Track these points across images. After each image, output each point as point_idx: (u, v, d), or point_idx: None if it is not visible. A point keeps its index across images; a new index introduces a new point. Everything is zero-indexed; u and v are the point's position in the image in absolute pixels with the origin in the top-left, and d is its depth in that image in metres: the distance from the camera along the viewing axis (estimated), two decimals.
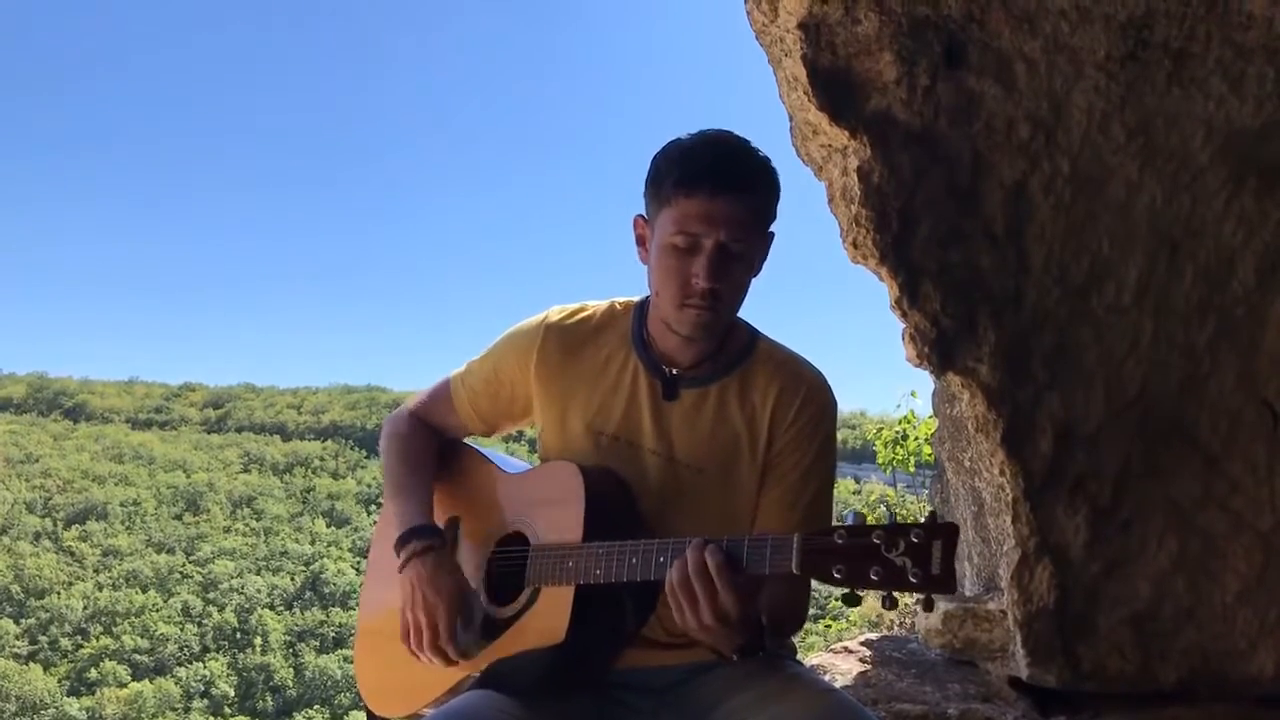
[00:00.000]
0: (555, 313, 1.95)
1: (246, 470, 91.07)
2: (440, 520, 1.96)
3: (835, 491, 1.92)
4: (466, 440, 2.11)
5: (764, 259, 1.85)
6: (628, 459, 1.83)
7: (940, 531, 1.38)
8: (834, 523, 1.52)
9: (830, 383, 1.91)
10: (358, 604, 2.16)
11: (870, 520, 1.45)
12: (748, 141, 1.76)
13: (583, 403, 1.88)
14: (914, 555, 1.37)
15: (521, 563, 1.79)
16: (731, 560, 1.50)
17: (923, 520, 1.40)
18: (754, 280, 1.87)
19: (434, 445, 2.04)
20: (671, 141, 1.78)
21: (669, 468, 1.83)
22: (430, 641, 1.76)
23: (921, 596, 1.40)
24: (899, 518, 1.42)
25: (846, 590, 1.43)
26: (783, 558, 1.48)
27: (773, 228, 1.83)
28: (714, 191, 1.68)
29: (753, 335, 1.91)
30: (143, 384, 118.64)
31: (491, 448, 2.12)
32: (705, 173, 1.69)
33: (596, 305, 1.96)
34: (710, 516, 1.81)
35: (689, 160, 1.71)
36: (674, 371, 1.85)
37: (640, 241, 1.84)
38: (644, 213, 1.82)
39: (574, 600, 1.68)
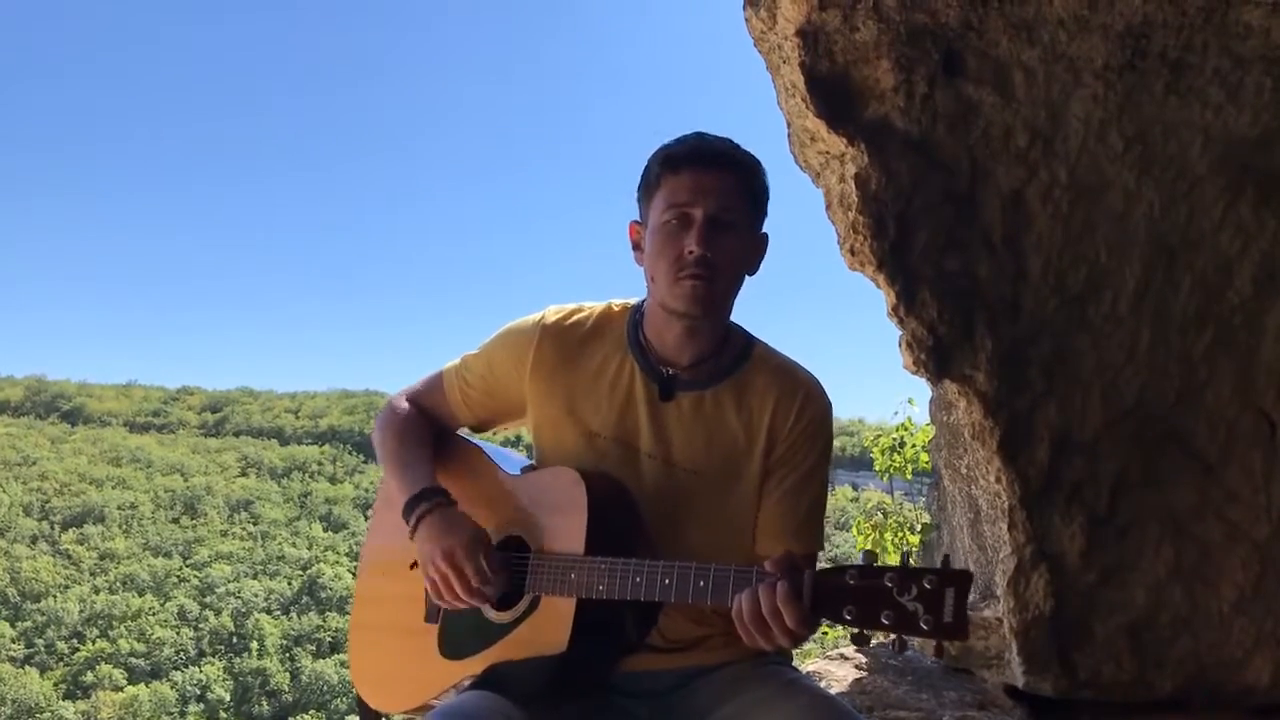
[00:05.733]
0: (552, 313, 1.94)
1: (244, 474, 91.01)
2: None
3: (834, 499, 1.93)
4: (467, 436, 2.10)
5: (759, 258, 1.87)
6: (624, 461, 1.83)
7: (954, 579, 1.37)
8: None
9: (825, 388, 1.92)
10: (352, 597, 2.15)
11: (879, 545, 1.45)
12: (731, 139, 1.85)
13: (579, 405, 1.88)
14: (926, 601, 1.37)
15: (521, 568, 1.79)
16: (798, 596, 1.48)
17: (937, 566, 1.40)
18: (752, 287, 1.88)
19: (431, 428, 2.03)
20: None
21: (666, 471, 1.83)
22: (464, 588, 1.74)
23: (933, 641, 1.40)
24: (912, 547, 1.42)
25: (856, 631, 1.43)
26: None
27: (766, 230, 1.86)
28: (700, 166, 1.76)
29: (749, 340, 1.91)
30: (141, 387, 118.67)
31: (488, 443, 2.11)
32: (689, 150, 1.78)
33: (593, 306, 1.96)
34: (708, 520, 1.81)
35: (673, 146, 1.81)
36: (670, 372, 1.85)
37: (636, 246, 1.87)
38: (638, 218, 1.87)
39: (575, 613, 1.68)
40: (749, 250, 1.84)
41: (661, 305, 1.81)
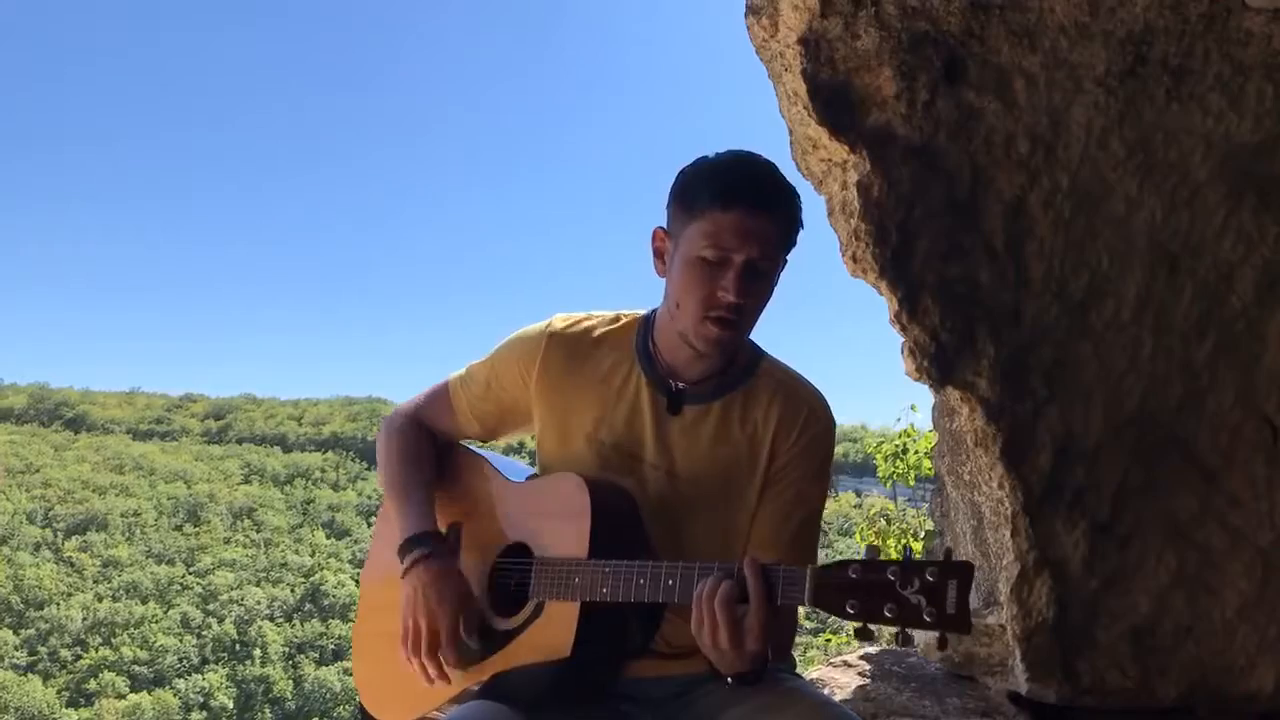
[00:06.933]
0: (559, 321, 1.94)
1: (247, 481, 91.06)
2: (442, 526, 1.96)
3: (837, 505, 1.93)
4: (468, 445, 2.10)
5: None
6: (627, 471, 1.83)
7: (956, 570, 1.37)
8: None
9: (829, 403, 1.91)
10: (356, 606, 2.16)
11: (882, 551, 1.44)
12: (776, 166, 1.78)
13: (584, 413, 1.88)
14: (929, 594, 1.37)
15: (525, 574, 1.79)
16: (770, 591, 1.49)
17: (939, 558, 1.39)
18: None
19: (433, 447, 2.03)
20: (701, 158, 1.79)
21: (669, 482, 1.83)
22: (429, 647, 1.77)
23: (936, 634, 1.40)
24: (915, 553, 1.42)
25: (859, 625, 1.43)
26: (796, 590, 1.47)
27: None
28: (751, 208, 1.69)
29: (756, 353, 1.91)
30: (144, 395, 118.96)
31: (491, 452, 2.11)
32: (744, 189, 1.70)
33: (601, 315, 1.96)
34: (708, 531, 1.81)
35: (726, 176, 1.72)
36: (679, 385, 1.85)
37: (659, 254, 1.83)
38: (665, 225, 1.81)
39: (579, 617, 1.68)
40: (774, 285, 1.81)
41: (680, 334, 1.79)
